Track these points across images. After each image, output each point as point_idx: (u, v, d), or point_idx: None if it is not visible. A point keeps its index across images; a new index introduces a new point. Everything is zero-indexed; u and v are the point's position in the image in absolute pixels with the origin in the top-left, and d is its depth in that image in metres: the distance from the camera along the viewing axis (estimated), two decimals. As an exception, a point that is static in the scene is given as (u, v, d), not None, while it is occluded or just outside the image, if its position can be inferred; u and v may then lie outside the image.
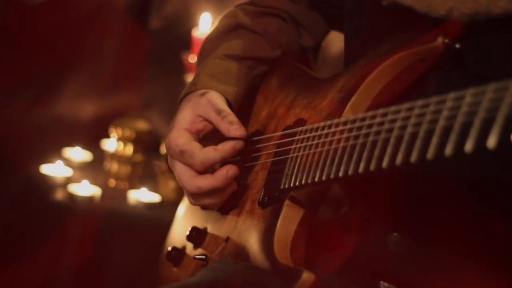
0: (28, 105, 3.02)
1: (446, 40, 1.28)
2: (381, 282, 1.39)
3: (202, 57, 1.67)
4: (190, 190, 1.49)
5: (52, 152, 2.96)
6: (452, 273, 1.32)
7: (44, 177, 2.76)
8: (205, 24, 3.02)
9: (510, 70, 1.22)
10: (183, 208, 1.73)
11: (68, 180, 2.75)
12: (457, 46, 1.28)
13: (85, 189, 2.63)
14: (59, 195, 2.67)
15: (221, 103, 1.51)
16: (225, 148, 1.47)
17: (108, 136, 3.03)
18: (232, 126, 1.48)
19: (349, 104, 1.36)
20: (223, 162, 1.50)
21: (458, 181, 1.28)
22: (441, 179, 1.29)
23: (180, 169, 1.50)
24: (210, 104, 1.51)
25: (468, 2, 1.23)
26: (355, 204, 1.48)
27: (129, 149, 2.88)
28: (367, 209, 1.46)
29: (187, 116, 1.52)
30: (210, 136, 1.53)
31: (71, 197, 2.62)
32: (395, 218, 1.38)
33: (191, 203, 1.55)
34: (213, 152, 1.47)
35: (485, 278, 1.30)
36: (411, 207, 1.35)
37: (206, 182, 1.48)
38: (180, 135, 1.50)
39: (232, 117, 1.50)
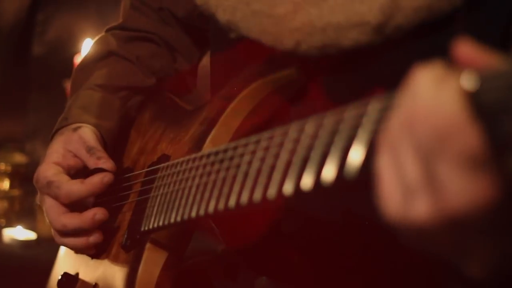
0: None
1: (299, 69, 1.21)
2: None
3: (74, 87, 1.57)
4: (56, 227, 1.40)
5: None
6: None
7: None
8: (87, 51, 2.89)
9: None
10: (62, 251, 1.61)
11: None
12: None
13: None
14: None
15: (93, 140, 1.43)
16: (92, 181, 1.38)
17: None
18: (99, 161, 1.40)
19: (209, 137, 1.28)
20: (94, 201, 1.42)
21: (322, 218, 1.20)
22: (303, 217, 1.21)
23: (49, 204, 1.39)
24: (81, 141, 1.42)
25: (316, 35, 1.13)
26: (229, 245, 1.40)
27: (5, 184, 2.73)
28: (237, 251, 1.37)
29: (59, 151, 1.43)
30: (82, 175, 1.43)
31: None
32: (263, 261, 1.30)
33: (56, 240, 1.44)
34: (79, 185, 1.37)
35: None
36: (277, 249, 1.26)
37: (72, 220, 1.38)
38: (49, 167, 1.40)
39: (101, 153, 1.41)
